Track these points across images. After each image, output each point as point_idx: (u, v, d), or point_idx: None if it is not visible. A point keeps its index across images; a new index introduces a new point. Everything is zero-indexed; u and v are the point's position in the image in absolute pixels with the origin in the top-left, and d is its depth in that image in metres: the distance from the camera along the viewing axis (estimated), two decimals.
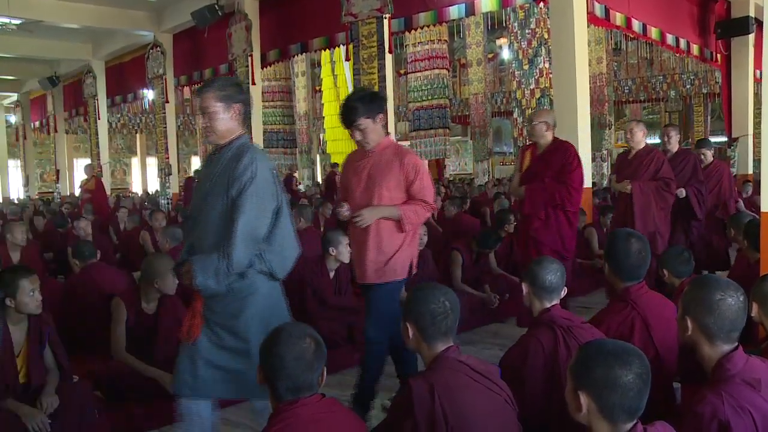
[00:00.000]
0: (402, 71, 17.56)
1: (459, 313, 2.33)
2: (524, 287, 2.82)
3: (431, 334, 2.26)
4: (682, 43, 10.56)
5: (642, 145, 5.94)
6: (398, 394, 2.22)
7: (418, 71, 14.70)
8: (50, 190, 22.83)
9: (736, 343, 2.11)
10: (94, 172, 12.69)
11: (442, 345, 2.27)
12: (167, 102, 13.64)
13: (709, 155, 6.97)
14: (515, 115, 12.00)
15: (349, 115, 3.44)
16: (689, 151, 6.60)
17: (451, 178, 22.00)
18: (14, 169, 23.91)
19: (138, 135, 26.53)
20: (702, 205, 6.20)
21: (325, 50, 11.52)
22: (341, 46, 10.17)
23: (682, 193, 5.99)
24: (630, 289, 2.88)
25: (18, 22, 12.21)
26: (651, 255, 3.06)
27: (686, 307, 2.16)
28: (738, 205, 7.14)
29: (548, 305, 2.75)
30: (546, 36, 10.95)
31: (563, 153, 4.97)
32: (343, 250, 4.83)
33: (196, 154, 24.54)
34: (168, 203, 13.60)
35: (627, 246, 2.91)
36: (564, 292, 2.81)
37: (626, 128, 6.76)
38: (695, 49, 11.04)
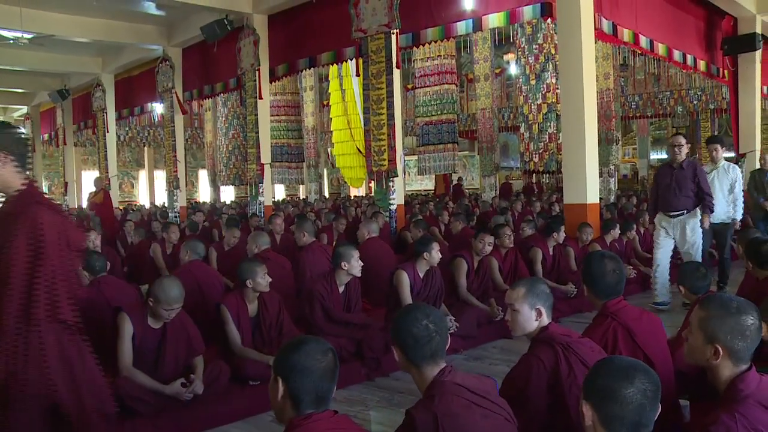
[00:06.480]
0: (410, 86, 17.65)
1: (446, 335, 2.29)
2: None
3: (415, 357, 2.23)
4: (689, 59, 10.59)
5: None
6: (401, 425, 2.20)
7: (427, 86, 14.82)
8: (59, 202, 22.93)
9: (750, 363, 2.09)
10: (103, 185, 12.73)
11: (431, 367, 2.23)
12: (184, 113, 13.70)
13: None
14: (522, 130, 12.02)
15: None
16: None
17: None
18: None
19: (146, 148, 26.69)
20: None
21: (333, 65, 11.59)
22: (349, 60, 10.23)
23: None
24: (608, 303, 2.97)
25: (30, 36, 12.33)
26: None
27: (713, 333, 2.09)
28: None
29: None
30: (553, 51, 11.00)
31: None
32: (355, 264, 4.80)
33: (203, 167, 24.64)
34: (176, 217, 13.62)
35: (601, 266, 3.00)
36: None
37: None
38: (702, 65, 11.07)
